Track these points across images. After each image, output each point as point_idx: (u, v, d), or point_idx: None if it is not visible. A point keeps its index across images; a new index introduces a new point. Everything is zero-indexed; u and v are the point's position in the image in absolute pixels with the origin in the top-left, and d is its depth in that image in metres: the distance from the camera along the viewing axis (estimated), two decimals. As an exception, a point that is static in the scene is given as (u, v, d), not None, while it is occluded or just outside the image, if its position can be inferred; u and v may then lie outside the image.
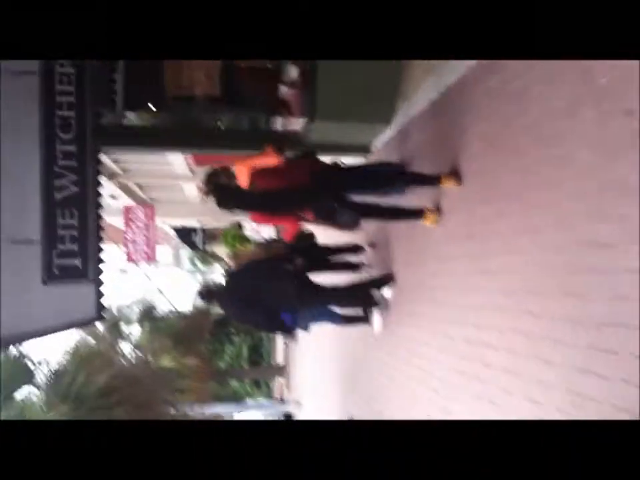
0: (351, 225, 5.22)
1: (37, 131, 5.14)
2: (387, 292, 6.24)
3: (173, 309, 24.43)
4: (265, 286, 5.58)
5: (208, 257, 30.62)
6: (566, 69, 3.18)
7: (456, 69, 4.64)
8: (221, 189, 4.88)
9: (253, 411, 21.59)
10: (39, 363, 10.94)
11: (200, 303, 5.62)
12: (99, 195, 6.93)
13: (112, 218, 16.86)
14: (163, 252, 31.35)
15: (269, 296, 5.54)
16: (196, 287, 5.82)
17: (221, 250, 24.39)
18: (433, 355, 5.00)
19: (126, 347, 21.80)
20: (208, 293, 5.85)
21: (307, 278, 5.95)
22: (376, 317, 6.42)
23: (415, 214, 5.14)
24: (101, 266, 6.72)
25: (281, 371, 21.88)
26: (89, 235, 5.18)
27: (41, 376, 9.64)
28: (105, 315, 7.19)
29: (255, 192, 4.85)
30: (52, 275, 5.13)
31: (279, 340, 22.35)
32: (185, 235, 22.25)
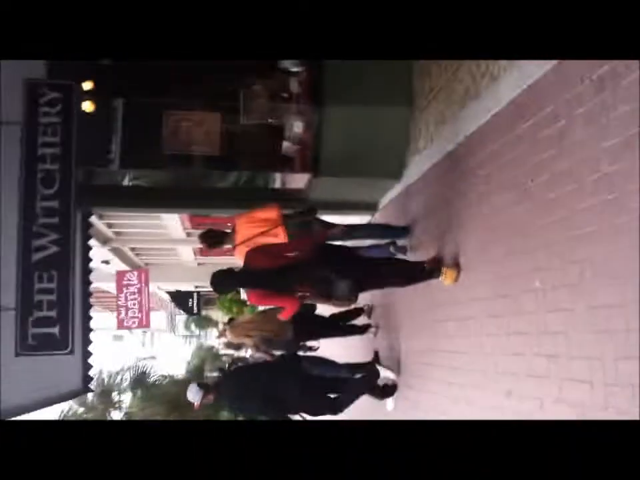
0: (347, 298, 4.85)
1: (16, 186, 4.64)
2: (390, 374, 6.00)
3: (166, 375, 23.66)
4: (270, 388, 5.36)
5: (203, 322, 30.03)
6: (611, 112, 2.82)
7: (476, 117, 4.30)
8: (217, 274, 4.67)
9: None
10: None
11: (195, 397, 5.34)
12: (88, 258, 6.52)
13: (105, 284, 16.39)
14: (157, 317, 30.78)
15: (272, 396, 5.32)
16: (192, 382, 5.55)
17: (217, 314, 23.82)
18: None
19: (117, 416, 20.94)
20: (206, 387, 5.48)
21: (312, 381, 5.76)
22: (389, 400, 6.10)
23: (430, 273, 4.74)
24: (88, 334, 6.24)
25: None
26: (71, 300, 4.62)
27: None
28: (92, 387, 6.65)
29: (251, 270, 4.62)
30: (26, 345, 4.51)
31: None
32: (180, 299, 21.71)
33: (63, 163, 4.70)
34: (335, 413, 5.73)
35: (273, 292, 4.65)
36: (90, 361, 6.44)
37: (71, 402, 12.89)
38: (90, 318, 6.45)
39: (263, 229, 5.26)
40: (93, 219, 7.72)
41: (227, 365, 6.55)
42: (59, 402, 5.94)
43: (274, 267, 4.52)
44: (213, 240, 5.47)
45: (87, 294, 6.40)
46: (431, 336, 5.09)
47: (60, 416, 13.37)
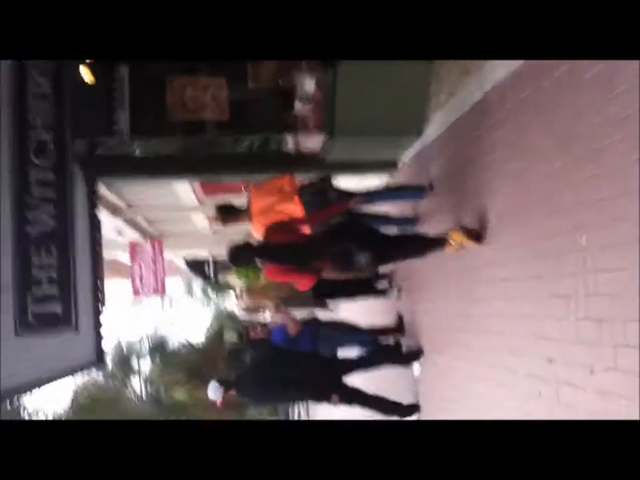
0: (367, 271, 4.97)
1: (8, 157, 4.29)
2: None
3: (186, 341, 23.80)
4: (287, 375, 5.36)
5: (221, 288, 30.14)
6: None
7: (505, 62, 3.93)
8: (234, 249, 4.66)
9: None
10: (35, 414, 9.95)
11: (216, 395, 5.36)
12: (96, 230, 6.29)
13: (119, 253, 16.27)
14: (175, 284, 30.86)
15: (291, 383, 5.33)
16: (212, 381, 5.51)
17: (234, 280, 23.83)
18: (490, 391, 4.22)
19: (137, 383, 21.12)
20: (226, 383, 5.48)
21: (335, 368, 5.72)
22: (415, 365, 5.94)
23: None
24: (98, 308, 6.05)
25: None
26: (73, 276, 4.33)
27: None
28: (105, 361, 6.48)
29: (270, 245, 4.64)
30: (26, 324, 4.22)
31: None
32: (196, 266, 21.71)
33: (57, 132, 4.36)
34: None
35: (291, 267, 4.57)
36: (102, 333, 6.26)
37: (85, 377, 12.76)
38: (101, 290, 6.26)
39: (277, 198, 5.18)
40: (102, 189, 7.47)
41: (241, 336, 6.40)
42: (66, 376, 5.74)
43: (292, 241, 4.50)
44: (228, 215, 5.40)
45: (96, 266, 6.19)
46: (462, 299, 4.79)
47: (78, 384, 13.34)
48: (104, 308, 6.41)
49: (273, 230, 4.61)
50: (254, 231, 5.36)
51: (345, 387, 5.61)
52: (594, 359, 2.96)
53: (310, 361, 5.62)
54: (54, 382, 4.84)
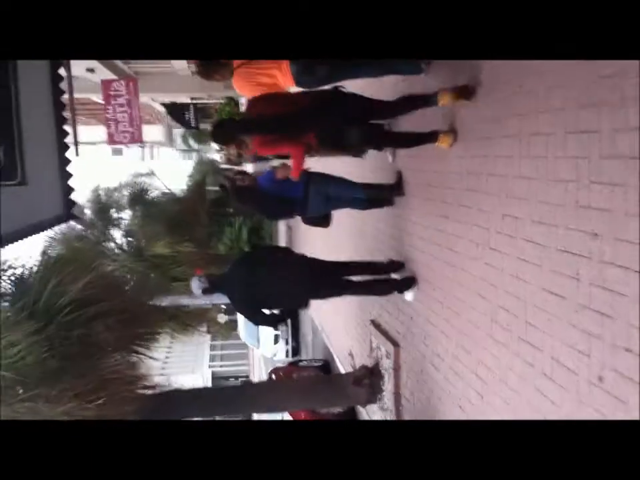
0: (360, 147, 4.62)
1: None
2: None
3: (167, 191, 23.34)
4: (272, 279, 5.14)
5: (202, 135, 29.27)
6: None
7: None
8: (218, 124, 4.52)
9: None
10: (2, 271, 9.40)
11: (198, 291, 5.27)
12: (56, 65, 5.48)
13: (91, 95, 15.24)
14: (154, 131, 29.98)
15: (276, 289, 5.12)
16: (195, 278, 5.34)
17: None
18: (507, 265, 3.77)
19: (117, 234, 20.86)
20: (210, 284, 5.27)
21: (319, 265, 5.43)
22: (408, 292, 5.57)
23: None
24: (63, 155, 5.40)
25: (284, 254, 21.10)
26: (16, 121, 3.59)
27: (3, 286, 8.10)
28: (72, 214, 5.94)
29: (254, 117, 4.39)
30: None
31: (281, 223, 21.43)
32: (176, 112, 20.72)
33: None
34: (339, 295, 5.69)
35: (279, 137, 4.33)
36: (69, 185, 5.66)
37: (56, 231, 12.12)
38: (64, 134, 5.57)
39: None
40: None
41: (223, 185, 5.91)
42: (40, 231, 5.24)
43: (278, 112, 4.23)
44: (210, 69, 4.76)
45: (58, 108, 5.44)
46: (476, 147, 4.19)
47: (57, 234, 12.87)
48: (71, 157, 5.77)
49: (257, 102, 4.33)
50: (236, 87, 4.88)
51: (336, 285, 5.41)
52: (615, 203, 2.47)
53: (297, 266, 5.33)
54: (30, 235, 4.31)
